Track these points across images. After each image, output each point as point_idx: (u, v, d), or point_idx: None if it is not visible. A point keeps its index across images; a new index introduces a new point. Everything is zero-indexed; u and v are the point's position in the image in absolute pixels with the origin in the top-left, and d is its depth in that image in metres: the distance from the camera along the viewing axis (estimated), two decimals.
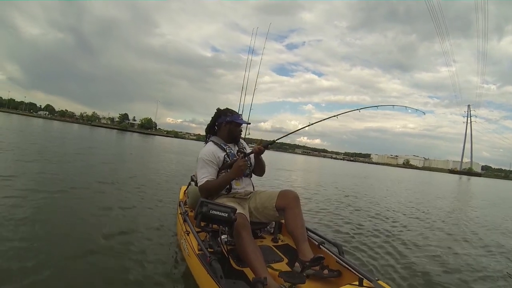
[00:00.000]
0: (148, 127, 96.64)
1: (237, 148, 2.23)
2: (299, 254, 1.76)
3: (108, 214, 3.46)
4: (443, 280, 2.34)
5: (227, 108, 2.25)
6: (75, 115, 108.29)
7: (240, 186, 2.11)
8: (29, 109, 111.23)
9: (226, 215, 1.64)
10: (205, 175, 2.02)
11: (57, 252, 2.30)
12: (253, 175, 2.27)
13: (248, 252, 1.59)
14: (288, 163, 21.87)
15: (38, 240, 2.45)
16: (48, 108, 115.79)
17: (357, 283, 1.43)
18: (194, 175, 3.02)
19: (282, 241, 2.21)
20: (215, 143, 2.15)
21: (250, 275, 1.61)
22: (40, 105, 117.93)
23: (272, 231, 2.30)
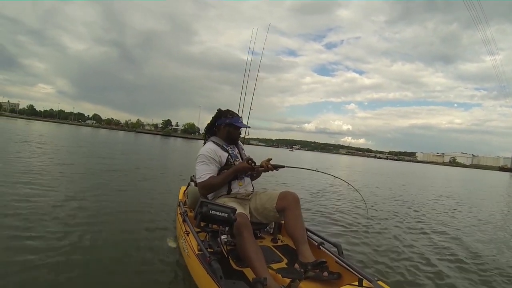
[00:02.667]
0: (191, 131, 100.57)
1: (237, 150, 2.25)
2: (299, 256, 1.76)
3: (108, 213, 3.47)
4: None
5: (227, 110, 2.25)
6: (121, 123, 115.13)
7: (242, 186, 2.12)
8: (78, 118, 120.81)
9: (226, 215, 1.64)
10: (207, 172, 2.02)
11: (54, 248, 2.31)
12: None
13: (249, 252, 1.59)
14: (329, 165, 21.45)
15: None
16: (95, 117, 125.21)
17: (356, 283, 1.43)
18: (193, 176, 3.03)
19: (281, 241, 2.21)
20: (216, 143, 2.16)
21: (250, 275, 1.61)
22: (88, 115, 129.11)
23: (271, 232, 2.31)
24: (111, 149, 14.31)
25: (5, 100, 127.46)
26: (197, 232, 1.97)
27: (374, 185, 9.49)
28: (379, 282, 1.44)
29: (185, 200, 2.72)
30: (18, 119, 67.56)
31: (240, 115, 2.32)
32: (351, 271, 1.60)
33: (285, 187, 6.84)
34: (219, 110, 2.25)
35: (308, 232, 2.01)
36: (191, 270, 1.94)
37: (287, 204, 1.90)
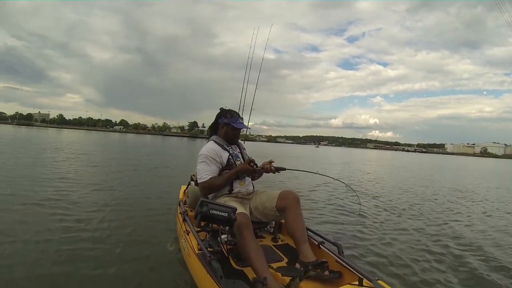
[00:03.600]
0: None
1: (238, 149, 2.24)
2: (299, 255, 1.76)
3: (110, 211, 3.48)
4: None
5: (229, 109, 2.25)
6: (148, 127, 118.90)
7: (243, 185, 2.12)
8: (106, 125, 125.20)
9: (226, 215, 1.64)
10: (208, 172, 2.02)
11: (52, 247, 2.31)
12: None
13: (249, 251, 1.59)
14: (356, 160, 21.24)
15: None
16: (123, 122, 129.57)
17: (357, 283, 1.43)
18: (193, 175, 3.02)
19: (282, 240, 2.21)
20: (217, 143, 2.15)
21: (250, 275, 1.61)
22: (115, 121, 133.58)
23: (272, 231, 2.30)
24: (137, 152, 15.30)
25: (36, 111, 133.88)
26: (197, 232, 1.97)
27: (389, 180, 9.57)
28: (380, 282, 1.44)
29: (185, 200, 2.71)
30: (49, 128, 71.80)
31: (241, 115, 2.32)
32: (351, 271, 1.59)
33: (286, 186, 6.84)
34: (221, 109, 2.24)
35: (309, 232, 2.00)
36: (191, 269, 1.94)
37: (288, 203, 1.90)
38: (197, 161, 2.09)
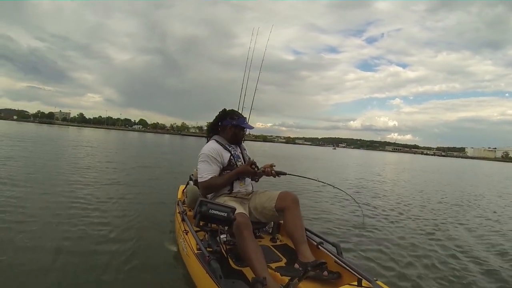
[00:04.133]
0: None
1: (239, 150, 2.24)
2: (298, 256, 1.76)
3: (112, 210, 3.47)
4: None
5: (233, 110, 2.25)
6: (166, 127, 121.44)
7: (243, 186, 2.12)
8: (125, 124, 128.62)
9: (225, 214, 1.64)
10: (209, 172, 2.02)
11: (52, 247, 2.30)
12: None
13: (249, 252, 1.59)
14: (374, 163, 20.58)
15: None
16: (141, 122, 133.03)
17: (355, 283, 1.43)
18: (192, 175, 3.02)
19: (280, 241, 2.21)
20: (219, 142, 2.15)
21: (249, 275, 1.61)
22: (135, 120, 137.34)
23: (270, 231, 2.30)
24: (153, 150, 15.85)
25: (57, 110, 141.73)
26: (196, 231, 1.97)
27: (396, 182, 9.60)
28: (378, 282, 1.44)
29: (184, 199, 2.71)
30: (69, 126, 74.97)
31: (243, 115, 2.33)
32: (350, 271, 1.60)
33: (286, 187, 6.85)
34: (224, 110, 2.24)
35: (307, 232, 2.01)
36: (190, 269, 1.94)
37: (287, 204, 1.90)
38: (198, 160, 2.08)
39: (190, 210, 2.43)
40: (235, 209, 1.67)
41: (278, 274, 1.67)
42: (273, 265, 1.79)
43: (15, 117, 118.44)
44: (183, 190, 3.06)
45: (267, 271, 1.55)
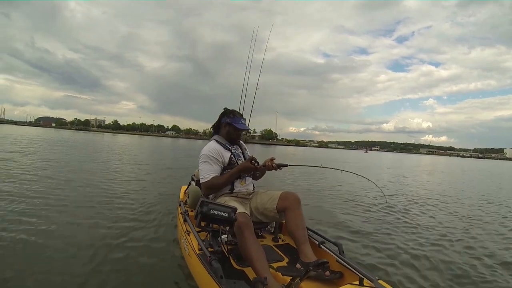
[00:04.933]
0: (268, 137, 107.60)
1: (240, 149, 2.24)
2: (300, 256, 1.76)
3: (114, 210, 3.50)
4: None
5: (232, 110, 2.25)
6: (199, 132, 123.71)
7: (244, 185, 2.12)
8: (158, 130, 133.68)
9: (227, 215, 1.64)
10: (210, 172, 2.02)
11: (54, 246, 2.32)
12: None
13: (250, 251, 1.59)
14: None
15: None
16: (174, 128, 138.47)
17: (357, 282, 1.43)
18: (194, 175, 3.02)
19: (282, 240, 2.21)
20: (219, 142, 2.16)
21: (251, 275, 1.61)
22: (168, 126, 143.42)
23: (272, 231, 2.30)
24: (181, 154, 16.80)
25: (92, 117, 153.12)
26: (198, 232, 1.97)
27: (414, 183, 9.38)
28: (380, 281, 1.44)
29: (186, 200, 2.72)
30: (104, 133, 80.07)
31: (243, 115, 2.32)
32: (352, 270, 1.59)
33: (291, 184, 6.85)
34: (225, 109, 2.25)
35: (309, 231, 2.00)
36: (191, 269, 1.95)
37: (288, 204, 1.90)
38: (199, 161, 2.09)
39: (192, 211, 2.44)
40: (236, 209, 1.67)
41: (280, 273, 1.67)
42: (275, 265, 1.79)
43: (53, 124, 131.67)
44: (185, 190, 3.07)
45: (269, 271, 1.55)
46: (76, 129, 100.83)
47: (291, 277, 1.51)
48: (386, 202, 5.16)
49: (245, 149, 2.32)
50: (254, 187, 2.23)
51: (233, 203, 1.83)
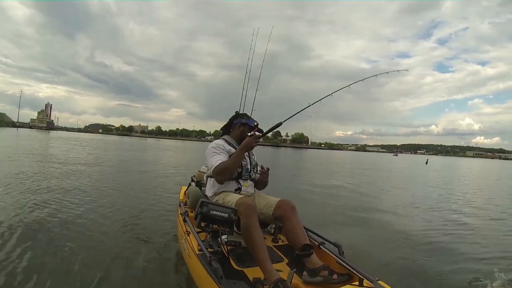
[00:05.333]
0: (300, 141, 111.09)
1: (247, 153, 2.24)
2: (305, 263, 1.72)
3: (114, 210, 3.50)
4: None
5: (245, 113, 2.40)
6: None
7: (246, 186, 2.13)
8: (198, 135, 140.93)
9: (226, 215, 1.64)
10: (218, 160, 2.01)
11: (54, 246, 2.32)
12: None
13: (253, 235, 1.64)
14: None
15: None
16: (215, 133, 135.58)
17: (357, 283, 1.42)
18: (194, 176, 3.03)
19: (282, 241, 2.20)
20: (227, 141, 2.19)
21: (251, 275, 1.61)
22: (210, 131, 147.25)
23: (272, 232, 2.30)
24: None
25: (141, 123, 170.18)
26: (198, 232, 1.97)
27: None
28: (380, 282, 1.43)
29: (186, 201, 2.72)
30: (147, 138, 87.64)
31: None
32: (352, 271, 1.59)
33: (283, 194, 6.85)
34: (237, 112, 2.37)
35: (308, 232, 2.00)
36: (191, 270, 1.95)
37: (284, 213, 1.89)
38: (206, 157, 2.09)
39: (191, 211, 2.44)
40: (236, 210, 1.68)
41: (280, 274, 1.67)
42: (275, 266, 1.79)
43: (100, 130, 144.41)
44: (185, 191, 3.06)
45: (271, 264, 1.58)
46: (119, 134, 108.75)
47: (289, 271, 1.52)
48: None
49: (253, 154, 2.32)
50: (254, 191, 2.23)
51: (241, 198, 1.84)
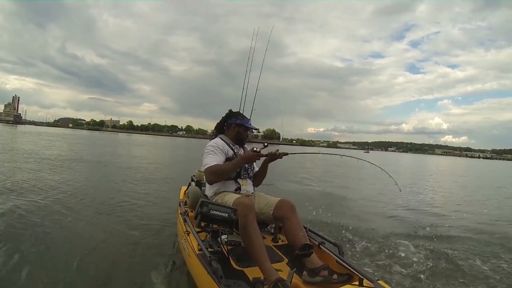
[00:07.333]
0: (271, 137, 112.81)
1: (242, 151, 2.24)
2: (305, 263, 1.72)
3: (116, 209, 3.50)
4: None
5: (238, 112, 2.31)
6: (208, 132, 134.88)
7: (245, 185, 2.13)
8: (169, 130, 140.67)
9: (226, 215, 1.64)
10: (214, 160, 2.00)
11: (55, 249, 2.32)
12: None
13: (251, 234, 1.65)
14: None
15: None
16: (186, 128, 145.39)
17: (357, 283, 1.43)
18: (194, 175, 3.02)
19: (282, 241, 2.20)
20: (224, 140, 2.18)
21: (251, 275, 1.61)
22: (181, 127, 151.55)
23: (272, 231, 2.30)
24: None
25: (113, 118, 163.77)
26: (198, 232, 1.97)
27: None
28: (380, 282, 1.43)
29: (186, 200, 2.72)
30: (119, 133, 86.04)
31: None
32: (352, 271, 1.59)
33: (284, 192, 6.85)
34: (230, 111, 2.30)
35: (308, 232, 2.00)
36: (191, 270, 1.94)
37: (283, 213, 1.89)
38: (204, 154, 2.06)
39: (191, 211, 2.44)
40: (236, 210, 1.67)
41: (280, 274, 1.67)
42: (275, 265, 1.79)
43: (70, 125, 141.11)
44: (185, 191, 3.06)
45: (270, 264, 1.58)
46: (89, 129, 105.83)
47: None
48: (400, 191, 5.19)
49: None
50: (254, 189, 2.23)
51: (238, 198, 1.84)
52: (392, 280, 2.24)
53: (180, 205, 2.64)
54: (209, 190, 2.15)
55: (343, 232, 3.45)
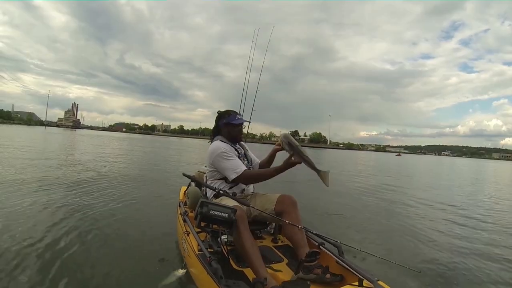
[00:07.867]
0: (317, 140, 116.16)
1: (243, 150, 2.24)
2: (299, 259, 1.74)
3: (116, 209, 3.50)
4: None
5: (226, 110, 2.25)
6: (257, 136, 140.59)
7: (246, 185, 2.13)
8: None
9: (226, 215, 1.64)
10: (240, 166, 1.97)
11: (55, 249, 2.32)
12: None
13: (245, 245, 1.63)
14: None
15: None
16: None
17: (357, 283, 1.43)
18: (194, 176, 3.02)
19: (282, 241, 2.21)
20: (224, 142, 2.15)
21: (250, 276, 1.61)
22: None
23: (272, 232, 2.30)
24: None
25: (165, 123, 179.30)
26: (198, 232, 1.97)
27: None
28: (380, 282, 1.44)
29: (186, 201, 2.72)
30: (170, 137, 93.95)
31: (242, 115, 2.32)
32: (351, 271, 1.59)
33: (285, 189, 6.84)
34: (219, 112, 2.25)
35: (308, 232, 2.00)
36: (191, 270, 1.94)
37: (285, 208, 1.90)
38: (221, 158, 2.00)
39: (191, 212, 2.44)
40: (236, 210, 1.68)
41: (279, 274, 1.67)
42: (275, 266, 1.79)
43: (124, 129, 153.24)
44: (185, 191, 3.06)
45: (265, 268, 1.58)
46: (140, 133, 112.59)
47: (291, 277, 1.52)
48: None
49: (247, 150, 2.31)
50: (254, 189, 2.23)
51: (232, 203, 1.83)
52: (392, 281, 2.24)
53: (180, 206, 2.64)
54: (209, 192, 2.15)
55: (343, 231, 3.46)
